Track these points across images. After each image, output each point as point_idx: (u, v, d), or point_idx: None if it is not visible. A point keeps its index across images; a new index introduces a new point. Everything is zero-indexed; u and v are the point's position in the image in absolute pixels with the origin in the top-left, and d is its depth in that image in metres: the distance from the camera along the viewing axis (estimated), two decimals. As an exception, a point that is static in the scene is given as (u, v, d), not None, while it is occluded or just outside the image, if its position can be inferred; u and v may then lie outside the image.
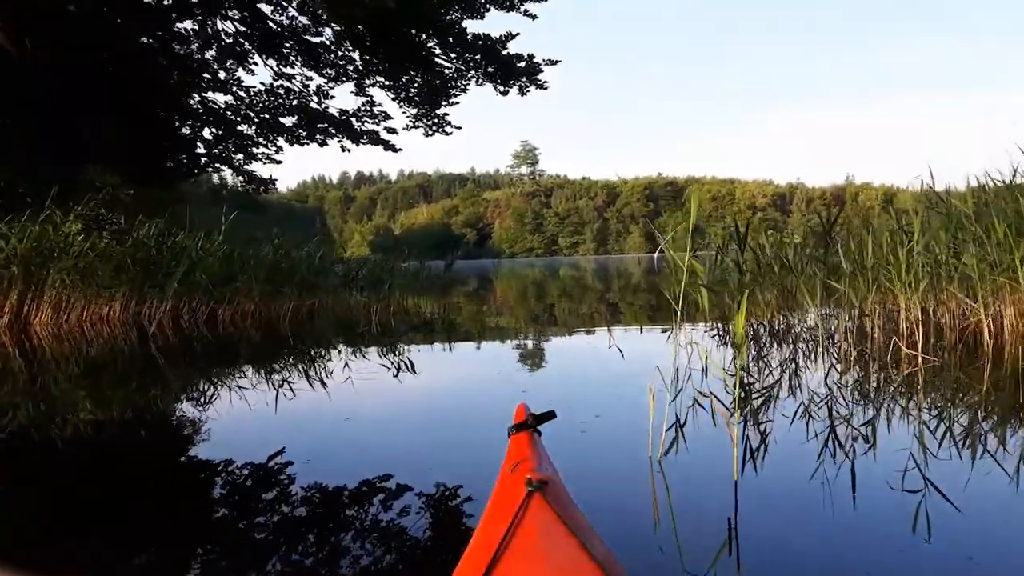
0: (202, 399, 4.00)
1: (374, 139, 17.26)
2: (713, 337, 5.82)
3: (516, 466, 1.42)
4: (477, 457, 2.52)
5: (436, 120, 17.29)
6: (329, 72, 16.19)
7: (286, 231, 11.34)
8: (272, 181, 18.90)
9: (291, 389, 4.05)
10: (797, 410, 3.10)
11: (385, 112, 17.01)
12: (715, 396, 2.95)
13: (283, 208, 63.14)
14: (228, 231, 9.66)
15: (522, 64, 15.45)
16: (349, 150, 18.06)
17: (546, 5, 14.90)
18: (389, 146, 17.66)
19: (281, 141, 17.14)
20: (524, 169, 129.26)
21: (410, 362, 4.97)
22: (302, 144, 17.26)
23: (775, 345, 5.32)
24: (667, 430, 2.62)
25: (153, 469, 2.71)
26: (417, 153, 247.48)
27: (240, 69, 15.87)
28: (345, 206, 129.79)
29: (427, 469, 2.45)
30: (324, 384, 4.22)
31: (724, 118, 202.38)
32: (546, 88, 16.28)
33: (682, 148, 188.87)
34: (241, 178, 17.88)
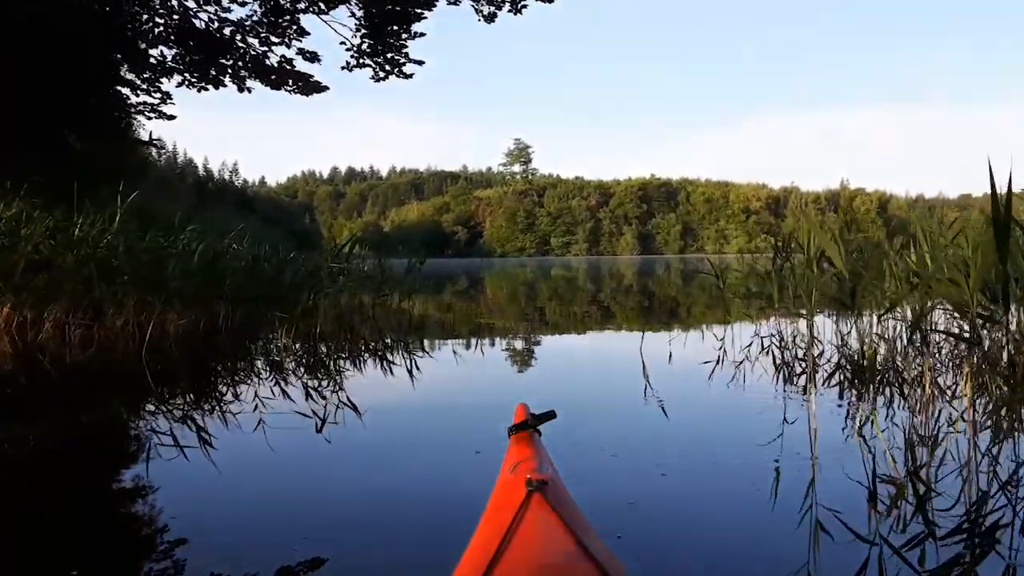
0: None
1: (297, 81, 12.80)
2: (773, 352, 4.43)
3: (516, 466, 1.43)
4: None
5: (391, 56, 12.68)
6: None
7: (194, 214, 8.54)
8: (150, 142, 14.36)
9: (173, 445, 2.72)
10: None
11: (298, 24, 12.10)
12: (887, 543, 1.73)
13: (271, 203, 62.75)
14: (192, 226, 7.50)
15: None
16: (250, 90, 13.02)
17: (541, 4, 12.15)
18: (311, 86, 12.95)
19: (168, 84, 12.71)
20: (517, 167, 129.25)
21: (351, 403, 3.54)
22: (196, 87, 12.90)
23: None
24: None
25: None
26: (408, 150, 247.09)
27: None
28: (335, 202, 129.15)
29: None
30: (207, 443, 2.80)
31: (717, 120, 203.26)
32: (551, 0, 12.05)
33: (676, 149, 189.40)
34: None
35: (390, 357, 5.22)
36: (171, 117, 13.61)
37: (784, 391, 3.72)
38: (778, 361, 4.34)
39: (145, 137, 14.42)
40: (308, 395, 3.81)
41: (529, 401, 1.77)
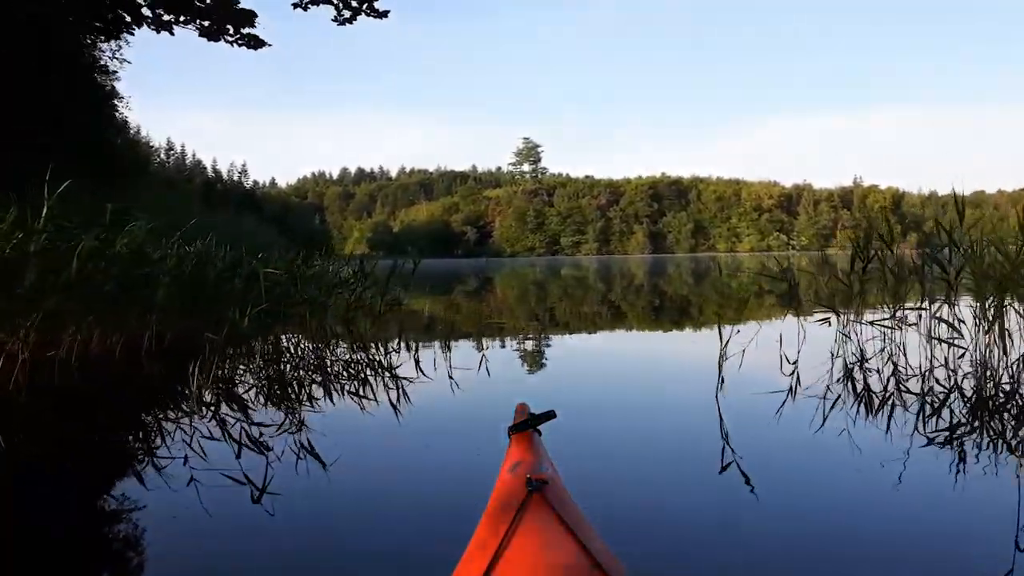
0: None
1: (229, 19, 10.45)
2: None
3: (516, 466, 1.42)
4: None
5: None
6: None
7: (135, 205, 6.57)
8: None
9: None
10: None
11: None
12: None
13: (280, 204, 62.89)
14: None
15: None
16: (172, 31, 10.59)
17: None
18: (244, 17, 10.33)
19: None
20: (526, 167, 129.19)
21: (307, 442, 2.77)
22: (102, 34, 10.86)
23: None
24: None
25: None
26: (418, 150, 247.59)
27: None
28: (345, 202, 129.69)
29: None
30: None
31: (726, 120, 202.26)
32: None
33: (687, 148, 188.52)
34: None
35: (372, 372, 4.48)
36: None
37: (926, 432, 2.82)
38: (859, 387, 3.66)
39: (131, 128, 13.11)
40: (248, 441, 2.76)
41: (544, 404, 1.73)
